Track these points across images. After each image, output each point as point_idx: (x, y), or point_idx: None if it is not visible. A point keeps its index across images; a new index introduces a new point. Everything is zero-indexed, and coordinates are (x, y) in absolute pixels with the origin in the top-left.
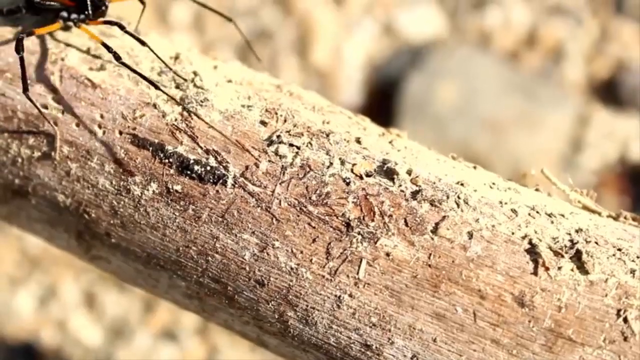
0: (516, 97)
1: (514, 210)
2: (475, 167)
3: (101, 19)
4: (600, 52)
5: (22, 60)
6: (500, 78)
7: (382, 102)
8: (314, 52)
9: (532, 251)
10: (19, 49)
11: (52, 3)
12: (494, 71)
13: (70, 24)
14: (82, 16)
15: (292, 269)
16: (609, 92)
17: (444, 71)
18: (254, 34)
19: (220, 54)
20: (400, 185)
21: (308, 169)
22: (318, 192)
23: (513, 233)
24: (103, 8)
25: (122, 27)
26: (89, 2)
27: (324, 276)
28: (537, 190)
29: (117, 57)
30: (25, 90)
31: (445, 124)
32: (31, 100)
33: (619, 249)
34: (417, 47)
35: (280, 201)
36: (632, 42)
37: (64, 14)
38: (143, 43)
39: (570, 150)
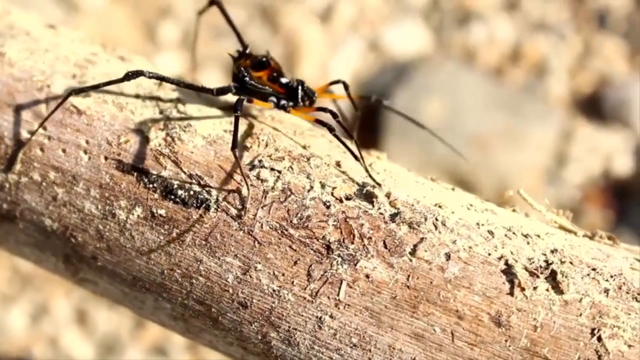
0: (501, 113)
1: (490, 232)
2: (453, 189)
3: (312, 107)
4: (583, 67)
5: (237, 120)
6: (485, 94)
7: (368, 119)
8: (301, 69)
9: (509, 272)
10: (238, 108)
11: (265, 88)
12: (478, 87)
13: (281, 109)
14: (291, 103)
15: (274, 291)
16: (592, 107)
17: (429, 87)
18: None
19: (208, 73)
20: (380, 208)
21: (289, 193)
22: (299, 215)
23: (490, 254)
24: (314, 98)
25: (334, 115)
26: (300, 93)
27: (305, 298)
28: (514, 211)
29: (331, 129)
30: (234, 147)
31: (431, 140)
32: (236, 158)
33: (594, 269)
34: (403, 63)
35: (262, 224)
36: (615, 57)
37: (274, 99)
38: (352, 136)
39: (554, 165)
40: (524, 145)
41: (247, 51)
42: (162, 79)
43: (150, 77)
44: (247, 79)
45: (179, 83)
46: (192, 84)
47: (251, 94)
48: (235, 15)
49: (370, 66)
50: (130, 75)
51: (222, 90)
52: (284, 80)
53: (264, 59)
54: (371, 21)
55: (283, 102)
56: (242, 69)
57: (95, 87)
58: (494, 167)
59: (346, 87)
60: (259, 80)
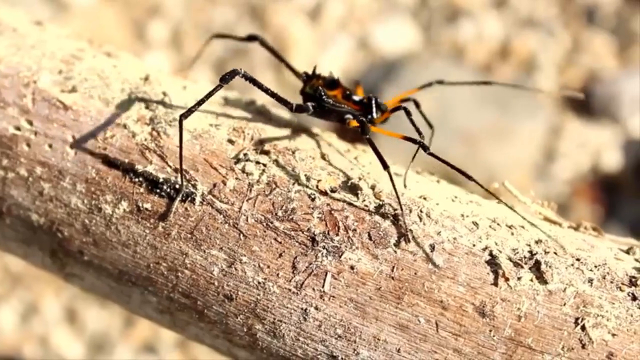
0: (490, 109)
1: (475, 223)
2: (438, 181)
3: (387, 113)
4: (572, 63)
5: (371, 141)
6: (474, 90)
7: None
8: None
9: (493, 262)
10: (366, 131)
11: (341, 106)
12: None
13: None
14: (367, 118)
15: (259, 283)
16: (581, 103)
17: (419, 84)
18: (231, 51)
19: (197, 72)
20: (364, 200)
21: (274, 186)
22: (284, 208)
23: (474, 245)
24: (386, 112)
25: (416, 107)
26: (374, 108)
27: (290, 290)
28: (499, 202)
29: (424, 148)
30: (386, 167)
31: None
32: (391, 177)
33: (578, 259)
34: (392, 60)
35: (247, 217)
36: (604, 53)
37: (349, 116)
38: (430, 125)
39: (543, 160)
40: (512, 141)
41: (316, 72)
42: (253, 80)
43: (242, 77)
44: (324, 97)
45: (266, 90)
46: (275, 93)
47: (328, 113)
48: (224, 14)
49: (360, 64)
50: (226, 78)
51: (300, 108)
52: (356, 97)
53: (336, 78)
54: (360, 19)
55: (360, 118)
56: (319, 88)
57: (199, 104)
58: (483, 162)
59: (417, 105)
60: (334, 98)
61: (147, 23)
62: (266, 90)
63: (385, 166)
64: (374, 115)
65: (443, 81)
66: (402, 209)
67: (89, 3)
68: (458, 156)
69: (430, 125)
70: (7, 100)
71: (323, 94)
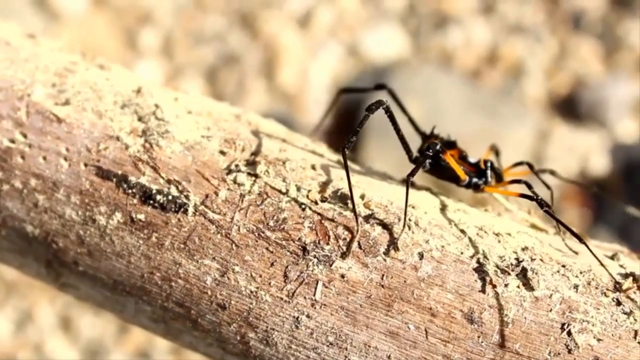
0: (478, 114)
1: (462, 231)
2: (427, 189)
3: (503, 182)
4: (559, 68)
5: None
6: (462, 96)
7: (348, 122)
8: (280, 74)
9: (480, 270)
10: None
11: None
12: (456, 89)
13: (471, 187)
14: (481, 181)
15: (251, 292)
16: (568, 108)
17: (408, 90)
18: (222, 59)
19: (188, 80)
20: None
21: (265, 196)
22: (275, 218)
23: (462, 253)
24: (502, 176)
25: (529, 186)
26: (489, 172)
27: (282, 298)
28: (485, 210)
29: (541, 205)
30: (410, 176)
31: (410, 142)
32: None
33: (563, 266)
34: (381, 67)
35: (239, 227)
36: (590, 58)
37: (465, 177)
38: (549, 205)
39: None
40: (501, 146)
41: (435, 132)
42: (392, 117)
43: (385, 108)
44: (441, 154)
45: (399, 131)
46: (405, 140)
47: (443, 171)
48: (215, 22)
49: (350, 70)
50: (372, 108)
51: (416, 161)
52: (472, 159)
53: (454, 140)
54: (349, 26)
55: (475, 180)
56: (437, 144)
57: (355, 133)
58: None
59: (531, 167)
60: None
61: (138, 31)
62: (398, 131)
63: (409, 177)
64: (488, 179)
65: (554, 172)
66: (405, 224)
67: (80, 12)
68: None
69: (549, 206)
70: (2, 114)
71: (441, 151)
